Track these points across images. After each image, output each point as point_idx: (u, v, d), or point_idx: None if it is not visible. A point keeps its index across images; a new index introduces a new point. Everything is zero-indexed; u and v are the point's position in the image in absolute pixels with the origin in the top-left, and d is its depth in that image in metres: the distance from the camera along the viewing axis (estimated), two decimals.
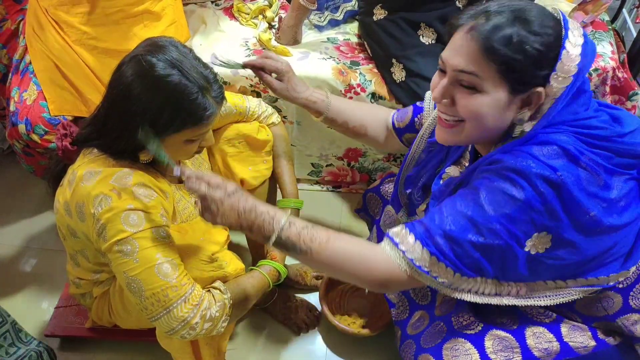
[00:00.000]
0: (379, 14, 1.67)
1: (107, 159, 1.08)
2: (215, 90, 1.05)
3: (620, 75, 1.62)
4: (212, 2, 1.97)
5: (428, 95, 1.25)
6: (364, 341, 1.53)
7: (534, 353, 1.02)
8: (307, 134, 1.81)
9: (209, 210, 0.96)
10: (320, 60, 1.69)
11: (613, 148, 0.92)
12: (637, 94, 1.64)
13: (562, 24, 0.89)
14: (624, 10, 2.07)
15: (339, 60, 1.70)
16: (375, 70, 1.70)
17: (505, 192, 0.89)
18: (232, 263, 1.20)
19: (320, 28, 1.86)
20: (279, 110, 1.54)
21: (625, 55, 1.74)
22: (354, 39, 1.82)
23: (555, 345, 1.03)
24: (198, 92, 1.01)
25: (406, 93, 1.61)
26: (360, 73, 1.68)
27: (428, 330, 1.16)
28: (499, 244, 0.90)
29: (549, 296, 0.99)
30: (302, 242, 0.96)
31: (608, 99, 1.65)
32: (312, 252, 0.96)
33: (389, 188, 1.47)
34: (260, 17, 1.85)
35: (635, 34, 1.80)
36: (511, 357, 1.02)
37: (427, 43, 1.62)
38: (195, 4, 1.96)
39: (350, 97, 1.66)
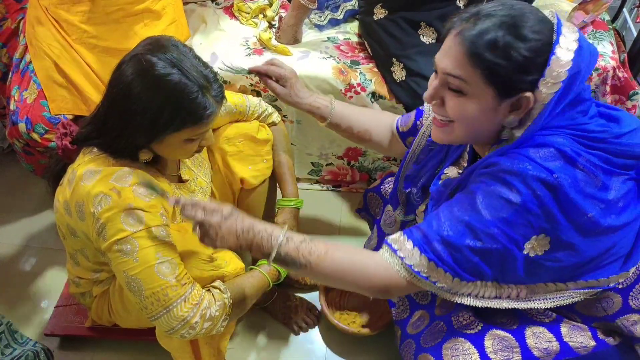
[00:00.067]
0: (379, 13, 1.67)
1: (107, 158, 1.08)
2: (215, 89, 1.05)
3: (620, 74, 1.62)
4: (212, 1, 1.97)
5: None
6: (364, 341, 1.53)
7: (534, 353, 1.02)
8: (307, 133, 1.81)
9: (207, 236, 0.98)
10: (320, 59, 1.69)
11: (610, 149, 0.92)
12: (637, 93, 1.64)
13: (555, 28, 0.88)
14: (625, 10, 2.07)
15: (339, 60, 1.70)
16: (376, 69, 1.70)
17: (501, 197, 0.89)
18: (232, 262, 1.20)
19: (320, 27, 1.86)
20: (278, 110, 1.54)
21: (625, 54, 1.74)
22: (354, 38, 1.82)
23: (555, 345, 1.03)
24: (198, 91, 1.01)
25: (406, 92, 1.61)
26: (361, 72, 1.68)
27: (428, 329, 1.16)
28: (497, 248, 0.90)
29: (550, 299, 0.99)
30: (301, 256, 0.97)
31: (608, 99, 1.65)
32: (311, 265, 0.97)
33: (389, 188, 1.48)
34: (261, 16, 1.85)
35: (635, 34, 1.80)
36: (511, 356, 1.02)
37: (427, 42, 1.62)
38: (196, 2, 1.96)
39: (351, 97, 1.66)
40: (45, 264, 1.74)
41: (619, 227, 0.93)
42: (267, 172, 1.46)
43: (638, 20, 1.94)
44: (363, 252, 1.02)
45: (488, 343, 1.04)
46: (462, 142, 1.08)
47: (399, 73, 1.62)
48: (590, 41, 1.67)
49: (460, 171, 1.10)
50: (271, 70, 1.31)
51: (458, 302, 0.96)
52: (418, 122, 1.28)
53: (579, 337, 1.04)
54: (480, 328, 1.07)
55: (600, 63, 1.61)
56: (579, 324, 1.06)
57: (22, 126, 1.51)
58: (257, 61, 1.67)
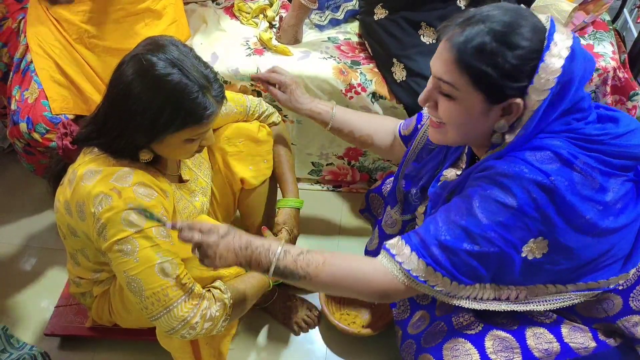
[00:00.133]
0: (380, 13, 1.67)
1: (108, 158, 1.08)
2: (216, 89, 1.05)
3: (621, 75, 1.62)
4: (212, 1, 1.97)
5: None
6: (364, 341, 1.53)
7: (534, 354, 1.02)
8: (307, 133, 1.81)
9: (207, 256, 0.98)
10: (320, 59, 1.69)
11: (608, 150, 0.92)
12: (637, 94, 1.64)
13: (547, 35, 0.87)
14: (625, 10, 2.07)
15: (340, 60, 1.70)
16: (376, 69, 1.70)
17: (497, 200, 0.89)
18: None
19: (321, 27, 1.86)
20: (279, 110, 1.54)
21: (626, 55, 1.74)
22: (355, 39, 1.82)
23: (556, 346, 1.03)
24: (198, 91, 1.01)
25: (407, 92, 1.61)
26: (361, 72, 1.68)
27: (428, 330, 1.16)
28: (494, 251, 0.91)
29: (549, 301, 0.99)
30: (300, 268, 0.98)
31: (609, 99, 1.65)
32: (310, 276, 0.98)
33: (390, 188, 1.48)
34: (261, 16, 1.85)
35: (636, 34, 1.80)
36: (511, 357, 1.02)
37: (427, 42, 1.62)
38: (196, 2, 1.96)
39: (351, 97, 1.66)
40: (45, 264, 1.74)
41: (617, 229, 0.93)
42: (268, 172, 1.46)
43: (638, 21, 1.94)
44: (361, 259, 1.03)
45: (488, 343, 1.04)
46: (457, 144, 1.08)
47: (399, 73, 1.62)
48: (591, 41, 1.68)
49: (459, 173, 1.11)
50: (272, 78, 1.37)
51: (456, 304, 0.97)
52: (419, 126, 1.29)
53: (579, 338, 1.04)
54: (480, 328, 1.07)
55: (601, 63, 1.61)
56: (580, 325, 1.06)
57: (23, 126, 1.51)
58: (258, 61, 1.68)
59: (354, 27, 1.87)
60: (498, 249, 0.90)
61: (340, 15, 1.86)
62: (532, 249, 0.91)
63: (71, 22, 1.52)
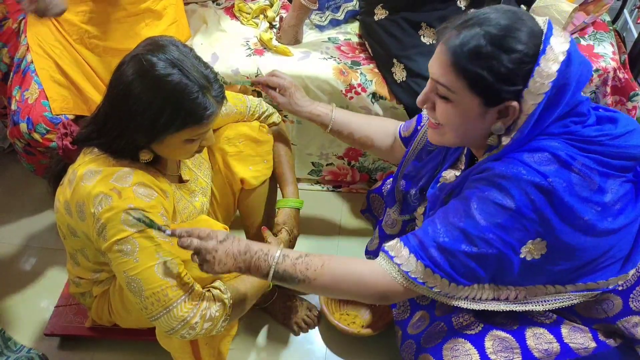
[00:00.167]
0: (380, 13, 1.67)
1: (108, 159, 1.08)
2: (216, 89, 1.05)
3: (621, 75, 1.62)
4: (213, 2, 1.97)
5: None
6: (364, 341, 1.53)
7: (534, 354, 1.02)
8: (307, 133, 1.81)
9: (206, 261, 0.99)
10: (321, 60, 1.69)
11: (606, 151, 0.92)
12: (637, 94, 1.64)
13: (543, 38, 0.86)
14: (625, 11, 2.07)
15: (340, 60, 1.70)
16: (376, 70, 1.70)
17: (495, 202, 0.89)
18: None
19: (321, 28, 1.86)
20: (279, 110, 1.54)
21: (626, 56, 1.74)
22: (355, 39, 1.82)
23: (556, 347, 1.03)
24: (199, 91, 1.01)
25: (407, 93, 1.61)
26: (361, 73, 1.68)
27: (428, 330, 1.16)
28: (492, 253, 0.91)
29: (548, 301, 0.99)
30: (299, 272, 0.98)
31: (609, 100, 1.65)
32: (309, 279, 0.99)
33: (389, 188, 1.48)
34: (262, 16, 1.85)
35: (636, 35, 1.80)
36: (511, 357, 1.02)
37: (428, 43, 1.62)
38: (197, 3, 1.96)
39: (351, 98, 1.66)
40: (45, 264, 1.74)
41: (616, 229, 0.93)
42: (268, 172, 1.46)
43: (639, 21, 1.94)
44: (359, 261, 1.03)
45: (488, 344, 1.04)
46: (455, 145, 1.08)
47: (399, 74, 1.62)
48: (591, 42, 1.68)
49: (458, 174, 1.11)
50: (271, 81, 1.38)
51: (455, 305, 0.97)
52: (419, 127, 1.29)
53: (579, 339, 1.04)
54: (480, 329, 1.07)
55: (601, 64, 1.61)
56: (580, 326, 1.06)
57: (23, 126, 1.51)
58: (258, 61, 1.68)
59: (354, 27, 1.87)
60: (496, 251, 0.91)
61: (340, 15, 1.86)
62: (530, 250, 0.91)
63: (72, 22, 1.53)
